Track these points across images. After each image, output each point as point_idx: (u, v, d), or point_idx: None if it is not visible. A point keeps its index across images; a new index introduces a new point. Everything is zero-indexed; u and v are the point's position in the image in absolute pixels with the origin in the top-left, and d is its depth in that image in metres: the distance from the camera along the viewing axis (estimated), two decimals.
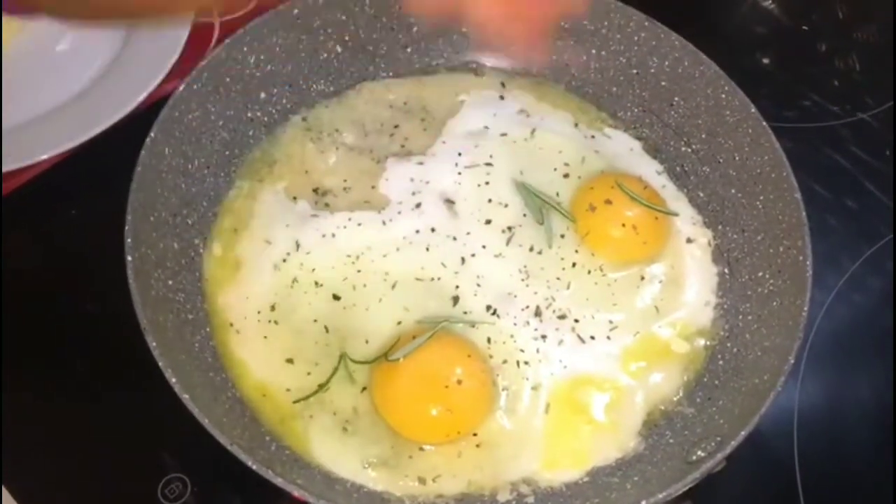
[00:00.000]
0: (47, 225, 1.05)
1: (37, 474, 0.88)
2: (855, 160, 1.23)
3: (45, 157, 1.02)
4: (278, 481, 0.73)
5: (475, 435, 0.85)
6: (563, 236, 0.95)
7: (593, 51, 1.06)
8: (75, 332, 0.96)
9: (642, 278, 0.95)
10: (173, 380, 0.76)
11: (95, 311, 0.97)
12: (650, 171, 1.02)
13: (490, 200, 0.96)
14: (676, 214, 0.98)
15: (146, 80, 1.07)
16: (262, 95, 0.99)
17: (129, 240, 0.82)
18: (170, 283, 0.86)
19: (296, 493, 0.73)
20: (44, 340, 0.96)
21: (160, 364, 0.76)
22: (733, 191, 0.98)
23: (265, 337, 0.88)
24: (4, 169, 1.00)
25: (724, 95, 0.98)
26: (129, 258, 0.81)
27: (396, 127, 1.02)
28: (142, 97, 1.06)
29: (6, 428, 0.90)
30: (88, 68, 1.13)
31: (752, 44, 1.35)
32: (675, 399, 0.90)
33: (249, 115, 0.99)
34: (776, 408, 0.97)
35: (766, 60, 1.34)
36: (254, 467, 0.73)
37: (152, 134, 0.87)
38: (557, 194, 0.97)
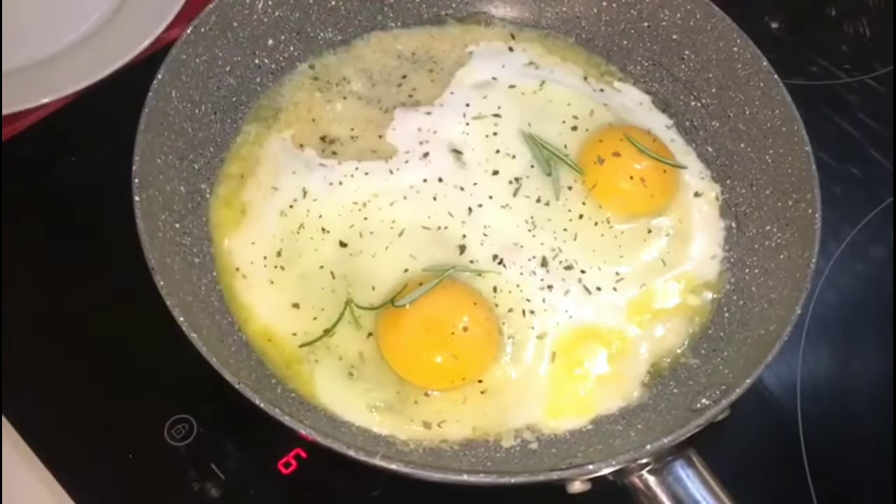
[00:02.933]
0: (51, 169, 1.04)
1: (42, 414, 0.89)
2: (860, 125, 1.22)
3: (47, 100, 1.02)
4: (286, 420, 0.73)
5: (480, 382, 0.86)
6: (570, 188, 0.94)
7: (604, 2, 1.05)
8: (80, 274, 0.97)
9: (649, 231, 0.95)
10: (181, 319, 0.76)
11: (102, 255, 0.97)
12: (659, 125, 1.02)
13: (498, 151, 0.95)
14: (685, 168, 0.98)
15: (151, 25, 1.07)
16: (270, 42, 0.99)
17: (136, 180, 0.82)
18: (177, 226, 0.86)
19: (303, 431, 0.73)
20: (48, 282, 0.96)
21: (168, 303, 0.76)
22: (742, 145, 0.98)
23: (271, 282, 0.88)
24: (6, 111, 1.00)
25: (735, 49, 0.98)
26: (137, 199, 0.81)
27: (404, 77, 1.02)
28: (147, 42, 1.06)
29: (11, 368, 0.90)
30: (94, 12, 1.12)
31: (761, 7, 1.33)
32: (679, 351, 0.91)
33: (257, 61, 0.98)
34: (780, 367, 0.99)
35: (774, 24, 1.32)
36: (262, 406, 0.73)
37: (160, 75, 0.87)
38: (566, 146, 0.96)
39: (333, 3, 1.02)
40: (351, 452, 0.73)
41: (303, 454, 0.89)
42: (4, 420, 0.89)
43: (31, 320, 0.94)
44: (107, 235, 0.97)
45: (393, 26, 1.06)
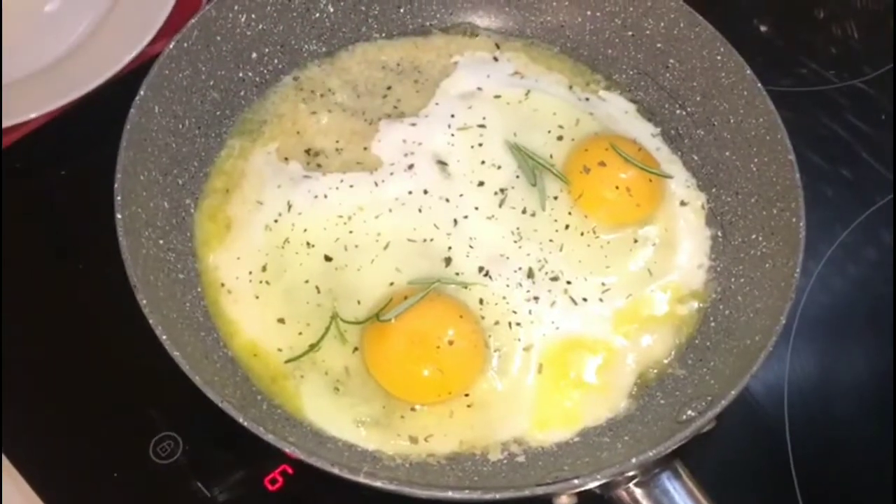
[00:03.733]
0: (36, 184, 1.04)
1: (26, 432, 0.88)
2: (849, 127, 1.22)
3: (33, 115, 1.01)
4: (269, 438, 0.73)
5: (467, 395, 0.85)
6: (556, 198, 0.94)
7: (588, 12, 1.05)
8: (65, 291, 0.96)
9: (635, 241, 0.95)
10: (164, 337, 0.76)
11: (86, 270, 0.97)
12: (644, 133, 1.01)
13: (483, 162, 0.95)
14: (670, 177, 0.98)
15: (134, 41, 1.06)
16: (254, 55, 0.98)
17: (118, 198, 0.81)
18: (160, 242, 0.86)
19: (287, 450, 0.73)
20: (32, 297, 0.96)
21: (150, 322, 0.76)
22: (727, 153, 0.98)
23: (256, 297, 0.88)
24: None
25: (719, 57, 0.97)
26: (119, 216, 0.80)
27: (389, 88, 1.01)
28: (130, 57, 1.05)
29: None
30: (76, 28, 1.11)
31: (750, 10, 1.33)
32: (666, 361, 0.90)
33: (241, 74, 0.98)
34: (767, 373, 0.99)
35: (763, 27, 1.32)
36: (245, 424, 0.73)
37: (142, 92, 0.87)
38: (551, 156, 0.96)
39: (317, 14, 1.01)
40: (335, 470, 0.73)
41: (289, 470, 0.88)
42: None
43: (15, 338, 0.93)
44: (94, 250, 0.96)
45: (377, 37, 1.06)
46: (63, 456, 0.88)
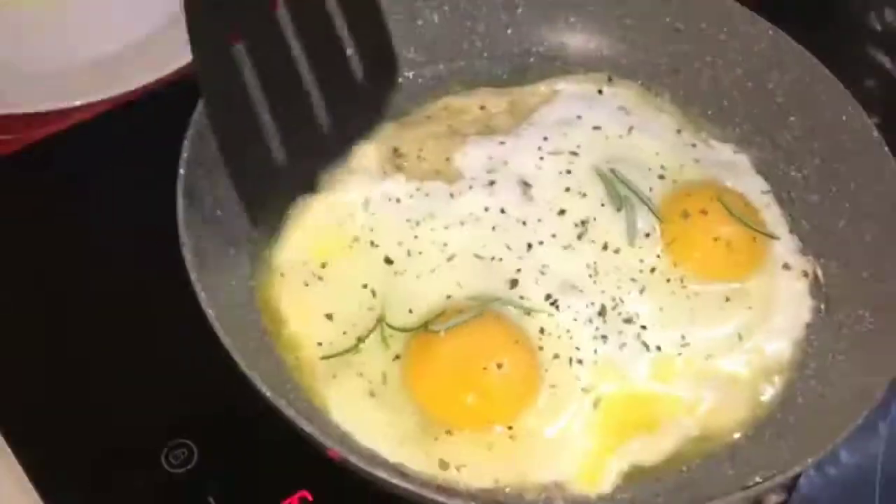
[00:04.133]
0: (95, 170, 1.03)
1: (38, 433, 0.84)
2: None
3: (99, 98, 1.02)
4: (311, 430, 0.68)
5: (510, 428, 0.78)
6: (647, 235, 0.88)
7: (708, 57, 1.00)
8: (86, 290, 0.93)
9: (727, 300, 0.87)
10: (202, 294, 0.73)
11: (111, 271, 0.94)
12: (754, 189, 0.94)
13: (568, 189, 0.90)
14: (777, 238, 0.90)
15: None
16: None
17: (184, 154, 0.80)
18: (218, 213, 0.83)
19: (329, 445, 0.68)
20: (49, 297, 0.93)
21: (192, 278, 0.73)
22: (842, 223, 0.90)
23: (307, 287, 0.84)
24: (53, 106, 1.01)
25: (844, 118, 0.90)
26: (182, 171, 0.79)
27: (483, 108, 0.98)
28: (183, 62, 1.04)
29: (8, 390, 0.86)
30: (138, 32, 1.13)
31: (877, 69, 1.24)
32: (740, 432, 0.81)
33: None
34: (858, 454, 0.87)
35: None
36: (267, 394, 0.69)
37: None
38: (651, 189, 0.90)
39: (421, 22, 1.01)
40: (381, 474, 0.68)
41: (309, 497, 0.81)
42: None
43: (31, 336, 0.90)
44: (127, 249, 0.95)
45: (480, 57, 1.04)
46: (73, 458, 0.83)
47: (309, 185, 0.89)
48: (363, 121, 0.92)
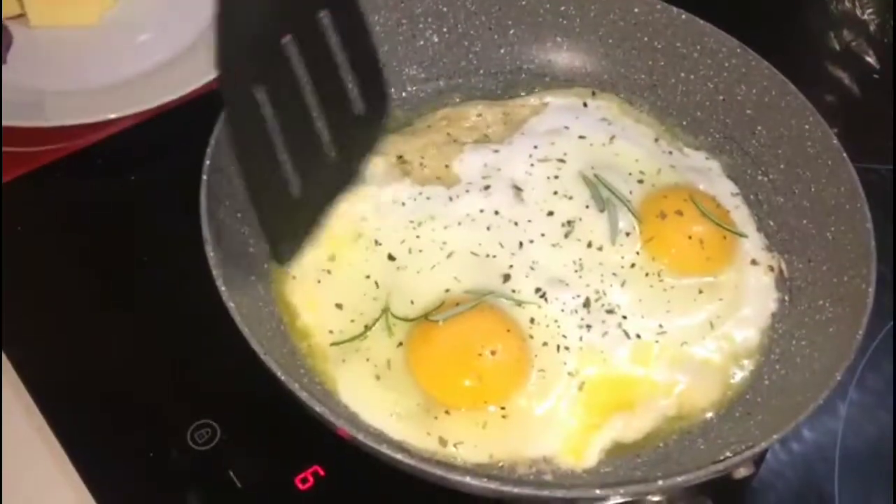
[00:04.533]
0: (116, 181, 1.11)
1: (80, 421, 0.90)
2: None
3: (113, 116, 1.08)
4: (321, 409, 0.74)
5: (503, 408, 0.85)
6: (627, 235, 0.95)
7: (682, 73, 1.07)
8: (119, 278, 1.01)
9: (700, 291, 0.94)
10: (223, 288, 0.79)
11: (139, 265, 1.02)
12: (725, 191, 1.02)
13: (556, 193, 0.97)
14: (745, 236, 0.98)
15: None
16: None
17: (207, 162, 0.87)
18: (238, 215, 0.90)
19: (338, 423, 0.74)
20: (86, 285, 1.01)
21: (213, 273, 0.80)
22: (805, 221, 0.97)
23: (319, 282, 0.91)
24: (86, 120, 1.07)
25: (807, 126, 0.98)
26: (205, 176, 0.86)
27: (479, 115, 1.06)
28: (209, 78, 1.09)
29: (53, 380, 0.93)
30: (171, 50, 1.20)
31: (836, 84, 1.32)
32: (712, 412, 0.88)
33: None
34: (819, 432, 0.94)
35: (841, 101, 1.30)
36: (282, 378, 0.75)
37: None
38: (630, 192, 0.97)
39: (421, 42, 1.08)
40: (385, 449, 0.73)
41: (321, 472, 0.88)
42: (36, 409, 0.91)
43: (69, 320, 0.97)
44: (153, 246, 1.02)
45: (475, 74, 1.11)
46: (103, 433, 0.90)
47: (321, 213, 0.94)
48: (363, 148, 0.97)
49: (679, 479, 0.72)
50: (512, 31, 1.11)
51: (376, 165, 0.98)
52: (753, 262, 0.96)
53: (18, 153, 1.09)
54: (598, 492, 0.72)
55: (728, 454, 0.78)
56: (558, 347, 0.88)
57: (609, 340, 0.89)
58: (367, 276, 0.91)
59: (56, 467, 0.88)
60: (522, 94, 1.11)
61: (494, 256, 0.93)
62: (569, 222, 0.95)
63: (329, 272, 0.92)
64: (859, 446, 0.94)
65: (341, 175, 0.95)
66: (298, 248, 0.92)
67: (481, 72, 1.11)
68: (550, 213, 0.96)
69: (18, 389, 0.91)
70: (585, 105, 1.08)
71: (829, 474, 0.92)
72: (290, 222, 0.90)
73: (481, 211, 0.96)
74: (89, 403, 0.91)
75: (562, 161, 1.00)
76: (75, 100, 1.10)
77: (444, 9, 1.07)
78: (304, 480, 0.88)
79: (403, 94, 1.08)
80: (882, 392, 0.99)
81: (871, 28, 1.31)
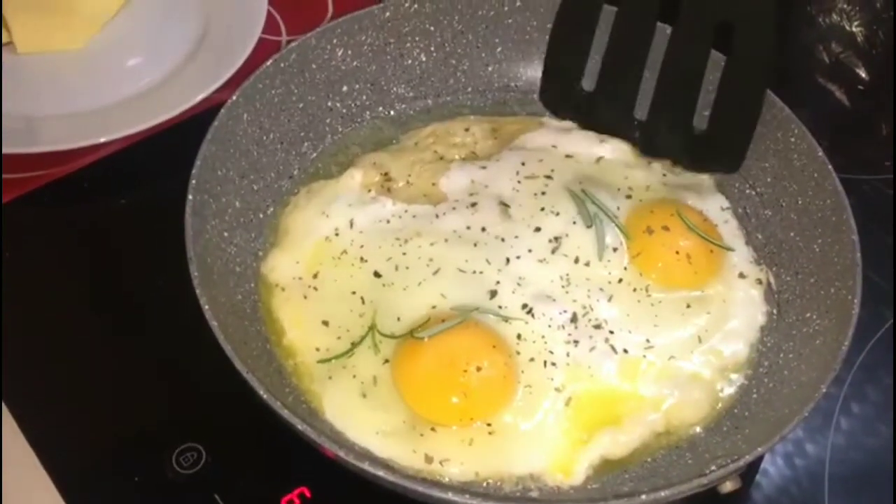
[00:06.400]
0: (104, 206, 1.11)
1: (63, 445, 0.90)
2: None
3: (104, 139, 1.09)
4: (305, 429, 0.74)
5: (489, 425, 0.85)
6: (614, 250, 0.95)
7: None
8: (103, 296, 1.01)
9: (688, 306, 0.93)
10: (206, 307, 0.79)
11: (128, 286, 1.02)
12: (714, 206, 1.01)
13: (543, 209, 0.97)
14: (732, 250, 0.97)
15: (203, 85, 1.13)
16: (345, 88, 1.06)
17: (193, 181, 0.88)
18: (224, 234, 0.92)
19: (321, 442, 0.74)
20: (69, 303, 1.01)
21: (198, 292, 0.80)
22: (792, 234, 0.97)
23: (305, 298, 0.91)
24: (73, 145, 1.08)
25: (793, 139, 0.98)
26: (190, 197, 0.87)
27: (467, 130, 1.06)
28: (194, 101, 1.12)
29: (29, 383, 0.93)
30: (157, 73, 1.20)
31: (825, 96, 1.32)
32: (700, 427, 0.87)
33: (329, 104, 1.05)
34: (807, 454, 0.94)
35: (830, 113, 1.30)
36: (264, 396, 0.75)
37: (234, 97, 0.95)
38: (618, 208, 0.97)
39: (409, 61, 1.09)
40: (367, 467, 0.73)
41: (307, 493, 0.88)
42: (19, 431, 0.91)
43: (56, 343, 0.98)
44: (139, 266, 1.03)
45: (463, 90, 1.12)
46: (88, 457, 0.90)
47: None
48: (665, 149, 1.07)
49: (663, 493, 0.72)
50: (499, 50, 1.12)
51: (354, 180, 0.99)
52: (741, 276, 0.96)
53: (7, 179, 1.10)
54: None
55: (713, 468, 0.77)
56: (545, 363, 0.88)
57: (596, 356, 0.89)
58: (353, 293, 0.91)
59: (41, 491, 0.88)
60: (511, 112, 1.12)
61: (481, 272, 0.93)
62: (556, 238, 0.95)
63: (315, 289, 0.92)
64: (850, 461, 0.94)
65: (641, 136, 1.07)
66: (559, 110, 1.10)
67: (469, 90, 1.12)
68: (537, 230, 0.96)
69: (3, 414, 0.91)
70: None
71: (821, 486, 0.91)
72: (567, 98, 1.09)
73: (468, 227, 0.96)
74: (75, 427, 0.91)
75: (549, 178, 1.00)
76: (64, 124, 1.11)
77: (432, 28, 1.08)
78: (291, 503, 0.87)
79: (392, 112, 1.09)
80: (879, 405, 0.98)
81: (860, 40, 1.31)
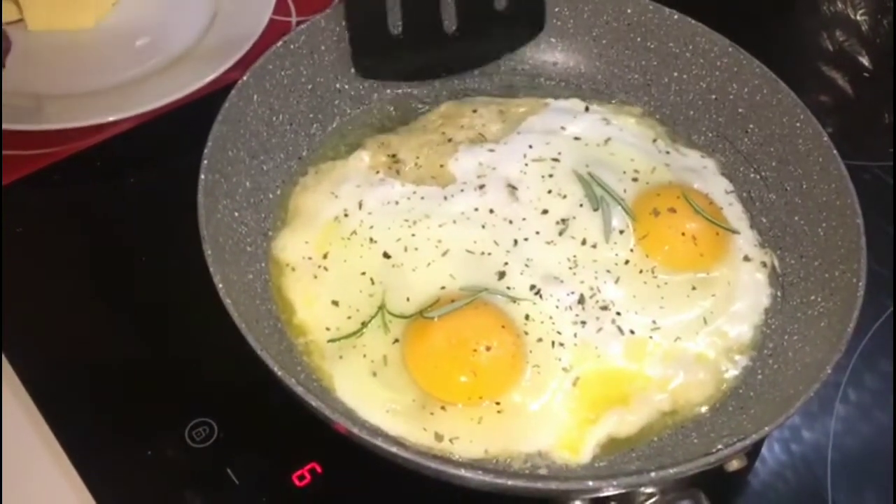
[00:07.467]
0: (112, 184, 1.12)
1: (79, 420, 0.91)
2: None
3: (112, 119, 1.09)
4: (318, 405, 0.74)
5: (498, 403, 0.86)
6: (621, 232, 0.96)
7: (675, 73, 1.09)
8: (118, 276, 1.02)
9: (694, 288, 0.95)
10: (220, 286, 0.80)
11: (140, 264, 1.03)
12: (719, 189, 1.03)
13: (550, 191, 0.98)
14: (737, 232, 0.98)
15: (217, 64, 1.14)
16: (353, 70, 1.06)
17: (205, 161, 0.88)
18: (235, 214, 0.92)
19: (334, 418, 0.74)
20: (84, 281, 1.01)
21: (211, 270, 0.81)
22: (797, 218, 0.98)
23: (315, 278, 0.92)
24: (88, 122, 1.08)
25: (798, 124, 0.99)
26: (202, 177, 0.87)
27: (475, 111, 1.07)
28: (204, 82, 1.12)
29: (47, 358, 0.95)
30: (167, 53, 1.21)
31: (829, 83, 1.33)
32: (706, 407, 0.89)
33: (338, 86, 1.05)
34: (812, 432, 0.95)
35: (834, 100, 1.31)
36: (279, 373, 0.76)
37: (244, 78, 0.95)
38: (625, 190, 0.98)
39: None
40: (380, 443, 0.74)
41: (318, 469, 0.89)
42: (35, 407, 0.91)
43: (68, 321, 0.98)
44: (150, 245, 1.03)
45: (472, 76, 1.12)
46: (102, 431, 0.90)
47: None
48: (494, 45, 1.11)
49: (671, 471, 0.73)
50: None
51: (363, 161, 1.00)
52: (746, 259, 0.97)
53: (17, 156, 1.10)
54: (590, 483, 0.73)
55: (720, 447, 0.78)
56: (553, 343, 0.89)
57: (603, 336, 0.90)
58: (363, 273, 0.92)
59: (55, 466, 0.89)
60: (519, 94, 1.12)
61: (489, 254, 0.94)
62: (563, 220, 0.96)
63: (325, 269, 0.93)
64: (853, 445, 0.95)
65: (458, 53, 1.08)
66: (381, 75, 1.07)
67: (476, 73, 1.12)
68: (545, 212, 0.97)
69: (18, 390, 0.92)
70: (587, 110, 1.08)
71: (823, 472, 0.93)
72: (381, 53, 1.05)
73: (476, 209, 0.96)
74: (88, 402, 0.92)
75: (556, 160, 1.01)
76: (73, 103, 1.11)
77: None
78: (302, 478, 0.88)
79: (399, 92, 1.10)
80: (878, 391, 1.00)
81: (864, 28, 1.32)
